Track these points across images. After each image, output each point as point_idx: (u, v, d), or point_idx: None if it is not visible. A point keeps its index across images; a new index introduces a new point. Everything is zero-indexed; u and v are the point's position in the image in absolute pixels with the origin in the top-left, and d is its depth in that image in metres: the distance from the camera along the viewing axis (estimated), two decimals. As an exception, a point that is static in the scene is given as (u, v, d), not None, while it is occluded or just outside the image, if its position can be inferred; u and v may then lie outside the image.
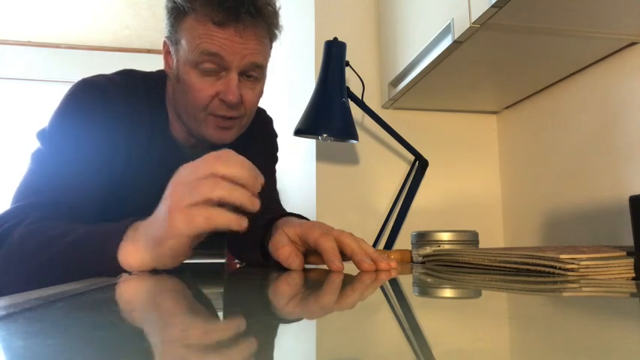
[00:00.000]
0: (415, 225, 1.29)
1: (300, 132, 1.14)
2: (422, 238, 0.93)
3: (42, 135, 0.73)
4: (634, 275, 0.53)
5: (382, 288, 0.44)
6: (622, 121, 0.98)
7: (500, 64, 1.06)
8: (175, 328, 0.25)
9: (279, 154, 1.02)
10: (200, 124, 0.76)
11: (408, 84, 1.19)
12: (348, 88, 1.19)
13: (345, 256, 0.63)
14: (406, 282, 0.50)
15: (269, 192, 0.96)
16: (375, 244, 1.26)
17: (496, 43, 0.95)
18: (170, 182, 0.56)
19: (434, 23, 1.02)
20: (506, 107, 1.38)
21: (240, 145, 0.88)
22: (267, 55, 0.78)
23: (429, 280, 0.55)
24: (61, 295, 0.34)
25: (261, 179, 0.55)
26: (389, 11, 1.32)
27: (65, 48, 3.28)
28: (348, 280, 0.50)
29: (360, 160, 1.36)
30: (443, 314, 0.31)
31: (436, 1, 1.03)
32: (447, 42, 0.96)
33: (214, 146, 0.84)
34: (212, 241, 0.59)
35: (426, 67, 1.08)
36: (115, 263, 0.55)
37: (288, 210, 0.87)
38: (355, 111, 1.23)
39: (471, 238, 0.93)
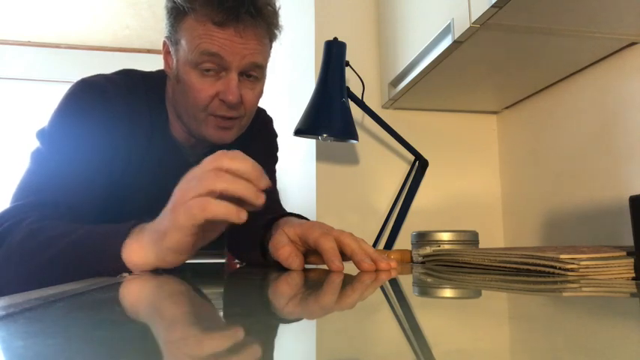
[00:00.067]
0: (415, 225, 1.29)
1: (300, 132, 1.14)
2: (422, 238, 0.93)
3: (41, 134, 0.73)
4: (634, 275, 0.53)
5: (382, 288, 0.44)
6: (622, 121, 0.98)
7: (500, 64, 1.06)
8: (175, 328, 0.25)
9: (279, 154, 1.02)
10: (200, 124, 0.76)
11: (408, 84, 1.19)
12: (348, 88, 1.19)
13: (345, 256, 0.63)
14: (406, 282, 0.50)
15: (269, 192, 0.96)
16: (375, 244, 1.26)
17: (496, 43, 0.95)
18: (180, 181, 0.56)
19: (434, 23, 1.02)
20: (506, 107, 1.38)
21: (240, 145, 0.88)
22: (267, 55, 0.78)
23: (429, 280, 0.55)
24: (61, 295, 0.34)
25: (266, 178, 0.55)
26: (389, 11, 1.32)
27: (65, 48, 3.28)
28: (348, 280, 0.50)
29: (360, 160, 1.36)
30: (443, 314, 0.31)
31: (436, 1, 1.03)
32: (447, 42, 0.96)
33: (214, 146, 0.84)
34: (212, 240, 0.59)
35: (426, 67, 1.08)
36: (116, 262, 0.55)
37: (288, 210, 0.87)
38: (355, 111, 1.23)
39: (470, 238, 0.93)
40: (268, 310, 0.33)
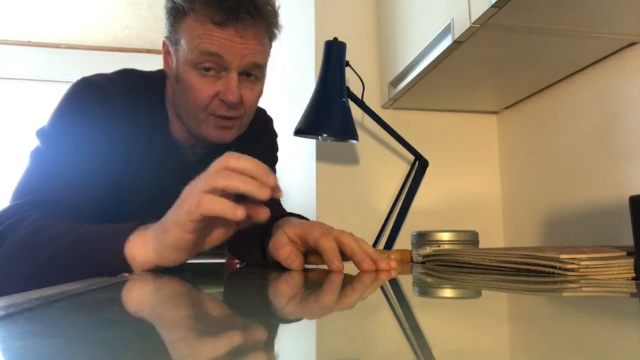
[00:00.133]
0: (415, 225, 1.29)
1: (300, 132, 1.14)
2: (422, 238, 0.93)
3: (41, 133, 0.73)
4: (634, 275, 0.53)
5: (382, 288, 0.44)
6: (622, 121, 0.98)
7: (500, 64, 1.06)
8: (175, 328, 0.25)
9: (279, 154, 1.02)
10: (200, 124, 0.76)
11: (408, 84, 1.19)
12: (348, 88, 1.19)
13: (345, 256, 0.63)
14: (406, 282, 0.50)
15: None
16: (375, 244, 1.26)
17: (496, 43, 0.95)
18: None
19: (434, 23, 1.02)
20: (506, 107, 1.38)
21: (240, 145, 0.88)
22: (266, 55, 0.78)
23: (429, 280, 0.55)
24: (61, 295, 0.34)
25: (274, 175, 0.55)
26: (389, 11, 1.32)
27: (65, 48, 3.28)
28: (348, 280, 0.50)
29: (360, 160, 1.36)
30: (443, 314, 0.31)
31: (436, 1, 1.03)
32: (447, 42, 0.96)
33: (214, 146, 0.84)
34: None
35: (426, 67, 1.08)
36: (118, 259, 0.55)
37: (288, 210, 0.87)
38: (355, 111, 1.23)
39: (470, 238, 0.93)
40: (268, 310, 0.33)
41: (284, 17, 0.80)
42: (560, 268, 0.52)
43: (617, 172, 0.99)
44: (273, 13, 0.76)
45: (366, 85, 1.27)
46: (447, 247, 0.90)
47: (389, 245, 1.23)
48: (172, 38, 0.75)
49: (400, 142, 1.23)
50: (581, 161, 1.08)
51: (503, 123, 1.40)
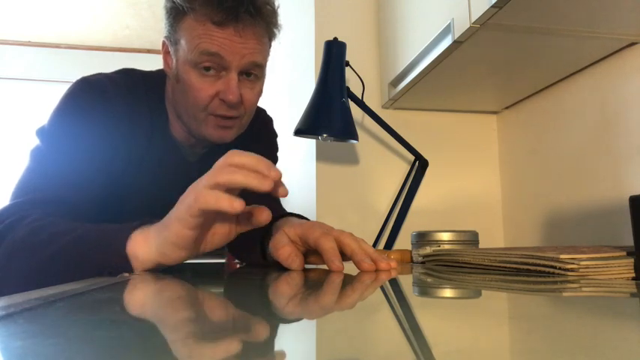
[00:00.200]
0: (415, 225, 1.29)
1: (300, 132, 1.14)
2: (422, 238, 0.93)
3: (41, 133, 0.73)
4: (634, 275, 0.53)
5: (382, 288, 0.44)
6: (622, 121, 0.98)
7: (500, 64, 1.06)
8: (175, 328, 0.25)
9: (279, 154, 1.02)
10: (200, 124, 0.76)
11: (408, 84, 1.19)
12: (348, 88, 1.19)
13: (345, 256, 0.63)
14: (406, 282, 0.50)
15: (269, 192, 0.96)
16: (375, 244, 1.26)
17: (496, 43, 0.95)
18: None
19: (434, 23, 1.02)
20: (506, 107, 1.38)
21: (240, 145, 0.88)
22: (266, 54, 0.78)
23: (429, 280, 0.55)
24: (61, 295, 0.34)
25: (277, 169, 0.55)
26: (389, 11, 1.32)
27: (65, 48, 3.28)
28: (348, 280, 0.50)
29: (360, 160, 1.36)
30: (443, 314, 0.31)
31: (436, 1, 1.03)
32: (447, 42, 0.96)
33: (214, 146, 0.84)
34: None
35: (426, 67, 1.08)
36: (120, 257, 0.55)
37: (288, 210, 0.87)
38: (355, 111, 1.23)
39: (470, 238, 0.93)
40: (268, 310, 0.33)
41: (284, 17, 0.80)
42: (560, 268, 0.52)
43: (617, 172, 0.99)
44: (273, 13, 0.76)
45: (366, 85, 1.27)
46: (447, 247, 0.90)
47: (389, 245, 1.23)
48: (172, 38, 0.75)
49: (400, 142, 1.23)
50: (581, 161, 1.08)
51: (503, 123, 1.40)
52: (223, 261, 1.10)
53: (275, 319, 0.28)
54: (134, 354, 0.18)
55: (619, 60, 0.99)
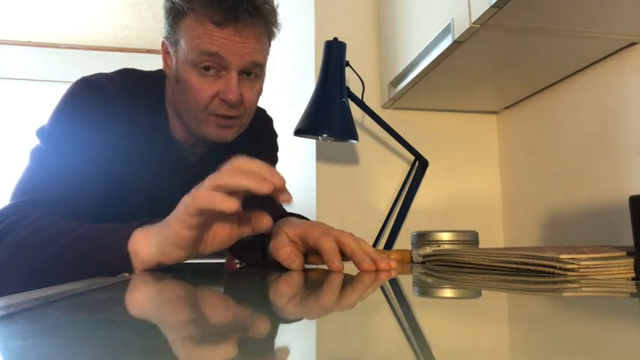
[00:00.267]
0: (415, 225, 1.29)
1: (300, 132, 1.14)
2: (422, 238, 0.93)
3: (41, 133, 0.73)
4: (634, 275, 0.53)
5: (382, 288, 0.44)
6: (622, 121, 0.98)
7: (500, 64, 1.06)
8: (175, 328, 0.25)
9: (279, 154, 1.02)
10: (200, 124, 0.76)
11: (408, 84, 1.19)
12: (348, 88, 1.19)
13: (345, 256, 0.63)
14: (406, 282, 0.50)
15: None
16: (375, 244, 1.26)
17: (496, 43, 0.95)
18: None
19: (434, 23, 1.02)
20: (506, 107, 1.38)
21: (240, 145, 0.88)
22: (266, 54, 0.78)
23: (429, 280, 0.55)
24: (61, 295, 0.34)
25: (280, 175, 0.56)
26: (389, 11, 1.32)
27: (65, 48, 3.28)
28: (348, 280, 0.50)
29: (360, 160, 1.36)
30: (443, 314, 0.31)
31: (436, 1, 1.03)
32: (447, 42, 0.96)
33: (214, 145, 0.84)
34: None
35: (426, 67, 1.08)
36: (121, 256, 0.55)
37: (288, 210, 0.87)
38: (355, 111, 1.23)
39: (470, 238, 0.93)
40: (268, 310, 0.33)
41: (284, 17, 0.80)
42: (560, 268, 0.52)
43: (617, 172, 0.99)
44: (272, 12, 0.76)
45: (366, 85, 1.27)
46: (447, 247, 0.90)
47: (389, 245, 1.23)
48: (172, 38, 0.75)
49: (400, 142, 1.23)
50: (581, 161, 1.08)
51: (503, 123, 1.40)
52: (223, 261, 1.10)
53: (275, 319, 0.28)
54: (134, 354, 0.18)
55: (619, 60, 0.99)
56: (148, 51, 3.32)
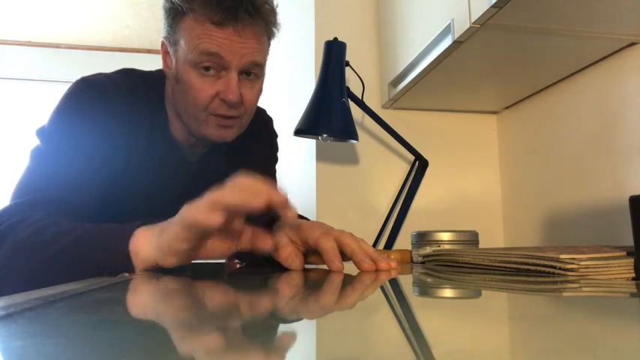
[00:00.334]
0: (415, 225, 1.29)
1: (300, 132, 1.14)
2: (422, 238, 0.93)
3: (41, 133, 0.73)
4: (634, 275, 0.53)
5: (382, 288, 0.44)
6: (622, 121, 0.98)
7: (500, 64, 1.06)
8: (175, 327, 0.25)
9: (279, 154, 1.02)
10: (200, 124, 0.76)
11: (408, 84, 1.19)
12: (348, 88, 1.19)
13: (345, 256, 0.63)
14: (406, 282, 0.50)
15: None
16: (375, 244, 1.26)
17: (496, 43, 0.95)
18: None
19: (434, 23, 1.02)
20: (506, 107, 1.38)
21: (240, 145, 0.88)
22: (265, 54, 0.78)
23: (429, 280, 0.55)
24: (61, 295, 0.34)
25: (278, 191, 0.56)
26: (389, 11, 1.32)
27: (65, 48, 3.27)
28: (348, 280, 0.50)
29: (360, 160, 1.36)
30: (443, 314, 0.31)
31: (436, 1, 1.03)
32: (447, 42, 0.96)
33: (214, 145, 0.84)
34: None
35: (426, 67, 1.08)
36: (121, 256, 0.55)
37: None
38: (355, 111, 1.23)
39: (470, 238, 0.93)
40: (268, 310, 0.33)
41: (284, 17, 0.80)
42: (560, 268, 0.52)
43: (617, 172, 0.99)
44: (272, 12, 0.76)
45: (366, 85, 1.27)
46: (447, 247, 0.90)
47: (389, 245, 1.23)
48: (171, 38, 0.75)
49: (400, 142, 1.23)
50: (581, 161, 1.08)
51: (503, 123, 1.40)
52: (223, 261, 1.10)
53: (275, 319, 0.28)
54: (134, 354, 0.18)
55: (619, 60, 0.99)
56: (148, 51, 3.32)
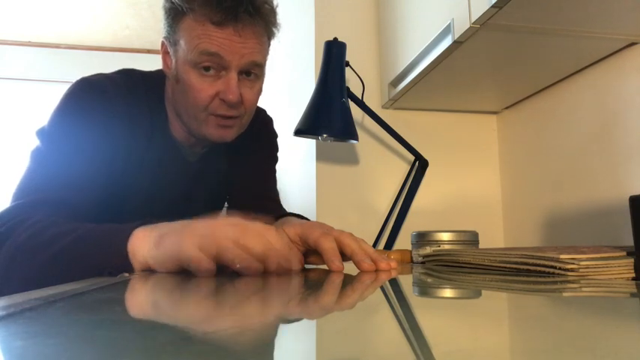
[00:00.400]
0: (415, 225, 1.29)
1: (300, 132, 1.14)
2: (422, 238, 0.93)
3: (41, 133, 0.73)
4: (634, 275, 0.53)
5: (382, 288, 0.44)
6: (622, 121, 0.98)
7: (500, 64, 1.06)
8: (175, 327, 0.25)
9: (279, 154, 1.02)
10: (200, 124, 0.76)
11: (408, 84, 1.19)
12: (348, 88, 1.19)
13: (345, 256, 0.63)
14: (406, 282, 0.50)
15: (269, 192, 0.96)
16: (375, 244, 1.26)
17: (496, 43, 0.95)
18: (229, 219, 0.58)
19: (434, 23, 1.02)
20: (506, 107, 1.38)
21: (240, 145, 0.88)
22: (265, 54, 0.78)
23: (429, 280, 0.55)
24: (61, 295, 0.34)
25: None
26: (389, 11, 1.32)
27: (65, 48, 3.28)
28: (348, 280, 0.50)
29: (360, 160, 1.36)
30: (443, 314, 0.31)
31: (436, 1, 1.03)
32: (447, 42, 0.96)
33: (213, 145, 0.84)
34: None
35: (426, 67, 1.08)
36: (120, 255, 0.55)
37: (288, 210, 0.87)
38: (355, 111, 1.23)
39: (471, 238, 0.93)
40: (268, 310, 0.33)
41: (284, 17, 0.80)
42: (560, 268, 0.52)
43: (617, 172, 0.99)
44: (272, 12, 0.76)
45: (366, 85, 1.27)
46: (447, 247, 0.90)
47: (389, 245, 1.23)
48: (171, 39, 0.75)
49: (400, 142, 1.23)
50: (581, 161, 1.08)
51: (503, 123, 1.40)
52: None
53: (275, 319, 0.28)
54: (134, 354, 0.18)
55: (618, 60, 0.99)
56: (148, 51, 3.32)
